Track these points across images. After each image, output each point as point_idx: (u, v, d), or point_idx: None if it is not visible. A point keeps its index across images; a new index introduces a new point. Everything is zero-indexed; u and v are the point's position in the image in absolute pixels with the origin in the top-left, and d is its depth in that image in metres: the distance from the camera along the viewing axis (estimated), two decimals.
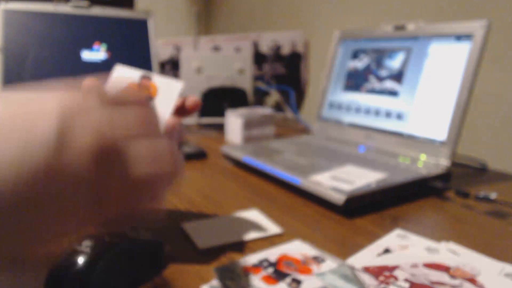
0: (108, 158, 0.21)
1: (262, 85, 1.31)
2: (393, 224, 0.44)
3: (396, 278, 0.30)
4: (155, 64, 1.04)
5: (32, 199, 0.19)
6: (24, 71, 0.92)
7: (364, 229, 0.43)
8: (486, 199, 0.48)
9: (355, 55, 0.79)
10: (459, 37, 0.61)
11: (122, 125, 0.23)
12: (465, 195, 0.50)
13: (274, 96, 1.37)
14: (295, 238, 0.40)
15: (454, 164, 0.68)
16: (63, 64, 0.95)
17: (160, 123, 0.25)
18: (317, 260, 0.34)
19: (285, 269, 0.32)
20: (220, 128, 0.98)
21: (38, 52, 0.93)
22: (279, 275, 0.31)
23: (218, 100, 1.03)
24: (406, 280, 0.30)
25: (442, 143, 0.60)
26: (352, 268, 0.32)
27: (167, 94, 0.33)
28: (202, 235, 0.39)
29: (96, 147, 0.21)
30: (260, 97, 1.34)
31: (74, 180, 0.20)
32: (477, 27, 0.58)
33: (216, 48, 1.33)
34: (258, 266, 0.33)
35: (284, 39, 1.37)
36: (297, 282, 0.31)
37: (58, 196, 0.20)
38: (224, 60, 1.09)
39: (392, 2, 1.06)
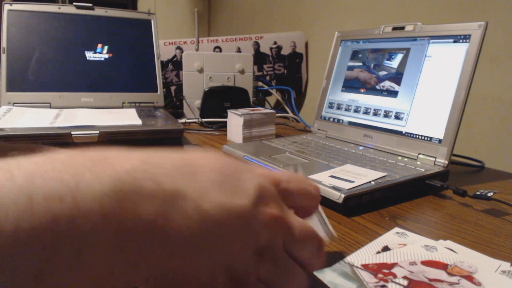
0: None
1: (262, 85, 1.32)
2: (392, 222, 0.45)
3: (394, 275, 0.31)
4: (157, 64, 1.04)
5: None
6: (28, 71, 0.92)
7: (363, 227, 0.44)
8: (484, 198, 0.49)
9: (355, 55, 0.79)
10: (456, 38, 0.62)
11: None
12: (463, 194, 0.51)
13: (275, 96, 1.37)
14: None
15: (452, 163, 0.69)
16: (66, 64, 0.96)
17: None
18: None
19: None
20: (221, 127, 0.98)
21: (42, 52, 0.94)
22: None
23: (219, 100, 1.04)
24: (405, 277, 0.31)
25: (440, 142, 0.60)
26: (351, 266, 0.33)
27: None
28: None
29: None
30: (260, 97, 1.34)
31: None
32: (474, 28, 0.59)
33: (218, 48, 1.33)
34: None
35: (285, 39, 1.38)
36: None
37: None
38: (226, 60, 1.10)
39: (390, 4, 1.06)
